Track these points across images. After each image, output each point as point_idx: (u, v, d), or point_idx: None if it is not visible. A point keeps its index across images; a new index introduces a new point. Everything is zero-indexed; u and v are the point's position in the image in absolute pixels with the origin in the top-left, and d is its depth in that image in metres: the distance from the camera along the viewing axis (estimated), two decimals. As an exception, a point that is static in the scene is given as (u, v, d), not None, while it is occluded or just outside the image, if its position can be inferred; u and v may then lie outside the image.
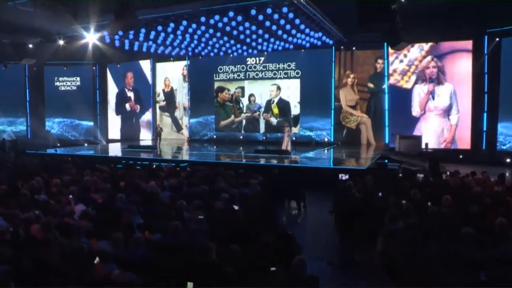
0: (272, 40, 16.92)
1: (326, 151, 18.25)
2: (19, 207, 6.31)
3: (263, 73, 20.92)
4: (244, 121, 21.52)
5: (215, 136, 22.10)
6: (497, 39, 16.20)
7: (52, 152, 16.49)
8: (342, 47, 19.00)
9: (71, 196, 6.80)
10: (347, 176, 8.56)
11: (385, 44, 18.56)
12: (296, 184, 8.80)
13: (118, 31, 13.71)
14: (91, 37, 18.98)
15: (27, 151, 16.75)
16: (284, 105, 20.53)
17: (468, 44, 17.30)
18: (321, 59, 19.65)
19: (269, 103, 20.86)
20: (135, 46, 18.57)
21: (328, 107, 19.73)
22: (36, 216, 5.47)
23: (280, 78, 20.62)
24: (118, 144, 21.92)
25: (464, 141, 17.44)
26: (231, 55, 20.59)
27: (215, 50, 19.64)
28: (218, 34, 16.15)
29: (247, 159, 14.41)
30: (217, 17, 13.73)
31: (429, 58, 17.94)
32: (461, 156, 16.69)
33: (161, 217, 5.78)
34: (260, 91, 21.06)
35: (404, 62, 18.65)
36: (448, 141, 17.82)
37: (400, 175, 9.64)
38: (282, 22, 14.23)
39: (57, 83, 24.11)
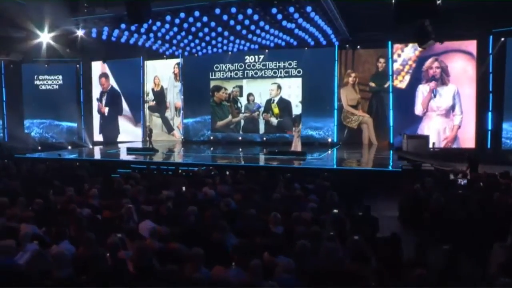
0: (280, 34, 16.23)
1: (330, 151, 17.78)
2: (78, 226, 5.37)
3: (263, 71, 20.25)
4: (242, 122, 20.76)
5: (211, 137, 21.20)
6: (502, 39, 16.40)
7: (53, 157, 14.97)
8: (347, 45, 18.65)
9: (130, 206, 5.83)
10: (465, 181, 8.05)
11: (389, 43, 18.53)
12: (351, 188, 8.23)
13: (132, 23, 12.65)
14: (80, 33, 17.85)
15: (16, 156, 15.30)
16: (285, 105, 19.97)
17: (470, 44, 17.42)
18: (323, 58, 19.23)
19: (269, 102, 20.23)
20: (129, 42, 17.46)
21: (330, 107, 19.34)
22: (121, 240, 4.58)
23: (280, 77, 20.03)
24: (113, 147, 20.51)
25: (469, 140, 17.55)
26: (230, 53, 19.80)
27: (214, 49, 18.75)
28: (226, 33, 15.41)
29: (271, 162, 13.70)
30: (233, 10, 12.92)
31: (432, 58, 17.94)
32: (467, 155, 16.73)
33: (259, 234, 5.02)
34: (259, 90, 20.38)
35: (398, 62, 18.62)
36: (449, 140, 17.91)
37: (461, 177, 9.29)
38: (300, 21, 13.67)
39: (37, 82, 22.35)
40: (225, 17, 13.56)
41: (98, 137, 23.13)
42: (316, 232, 4.45)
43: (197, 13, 13.39)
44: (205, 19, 13.87)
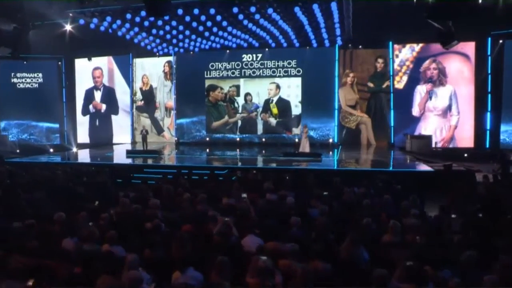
0: (288, 30, 15.76)
1: (331, 152, 17.56)
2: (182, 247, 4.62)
3: (261, 70, 19.73)
4: (239, 122, 20.15)
5: (207, 139, 20.41)
6: (501, 41, 16.86)
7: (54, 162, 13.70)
8: (350, 45, 18.51)
9: (228, 219, 5.14)
10: None
11: (390, 43, 18.60)
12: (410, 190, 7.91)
13: (151, 17, 11.81)
14: (69, 27, 16.71)
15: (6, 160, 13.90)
16: (284, 105, 19.56)
17: (466, 45, 17.74)
18: (323, 58, 19.05)
19: (267, 102, 19.75)
20: (126, 37, 16.47)
21: (331, 107, 19.17)
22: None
23: (279, 76, 19.60)
24: (106, 150, 19.18)
25: (467, 140, 17.92)
26: (228, 51, 19.22)
27: (213, 45, 18.03)
28: (234, 31, 14.82)
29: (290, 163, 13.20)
30: (253, 9, 12.34)
31: (430, 59, 18.17)
32: (466, 155, 17.08)
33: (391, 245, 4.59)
34: (257, 90, 19.85)
35: (396, 63, 18.76)
36: (446, 140, 18.22)
37: None
38: (320, 19, 13.32)
39: (15, 80, 20.65)
40: (241, 17, 12.99)
41: (82, 139, 21.64)
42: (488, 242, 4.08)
43: (212, 11, 12.68)
44: (218, 17, 13.19)
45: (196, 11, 12.83)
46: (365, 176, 8.89)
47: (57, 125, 21.17)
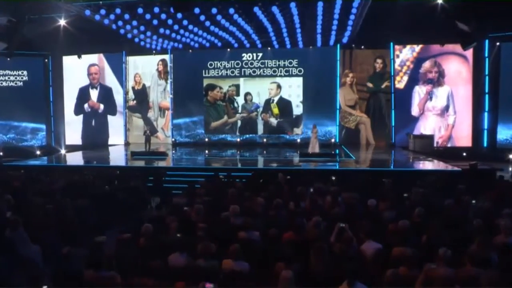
0: (297, 30, 15.55)
1: (333, 152, 17.49)
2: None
3: (261, 70, 19.41)
4: (239, 122, 19.74)
5: (206, 139, 19.85)
6: (498, 43, 17.39)
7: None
8: (353, 45, 18.52)
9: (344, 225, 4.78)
10: None
11: (392, 44, 18.79)
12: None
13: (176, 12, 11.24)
14: (63, 22, 15.81)
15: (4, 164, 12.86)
16: (285, 105, 19.33)
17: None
18: (324, 57, 18.98)
19: (268, 102, 19.45)
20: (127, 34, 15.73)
21: (332, 107, 19.13)
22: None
23: (280, 76, 19.35)
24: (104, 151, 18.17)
25: (463, 139, 18.38)
26: (229, 50, 18.82)
27: (215, 41, 17.56)
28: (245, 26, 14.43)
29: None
30: (274, 8, 12.04)
31: (431, 61, 18.50)
32: (464, 154, 17.53)
33: None
34: (257, 90, 19.51)
35: (396, 63, 18.98)
36: (444, 139, 18.63)
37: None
38: (336, 17, 13.19)
39: (-3, 78, 19.28)
40: (259, 14, 12.66)
41: (70, 140, 20.46)
42: None
43: (231, 10, 12.25)
44: (236, 16, 12.79)
45: (214, 10, 12.35)
46: (415, 176, 8.82)
47: (43, 126, 19.92)
